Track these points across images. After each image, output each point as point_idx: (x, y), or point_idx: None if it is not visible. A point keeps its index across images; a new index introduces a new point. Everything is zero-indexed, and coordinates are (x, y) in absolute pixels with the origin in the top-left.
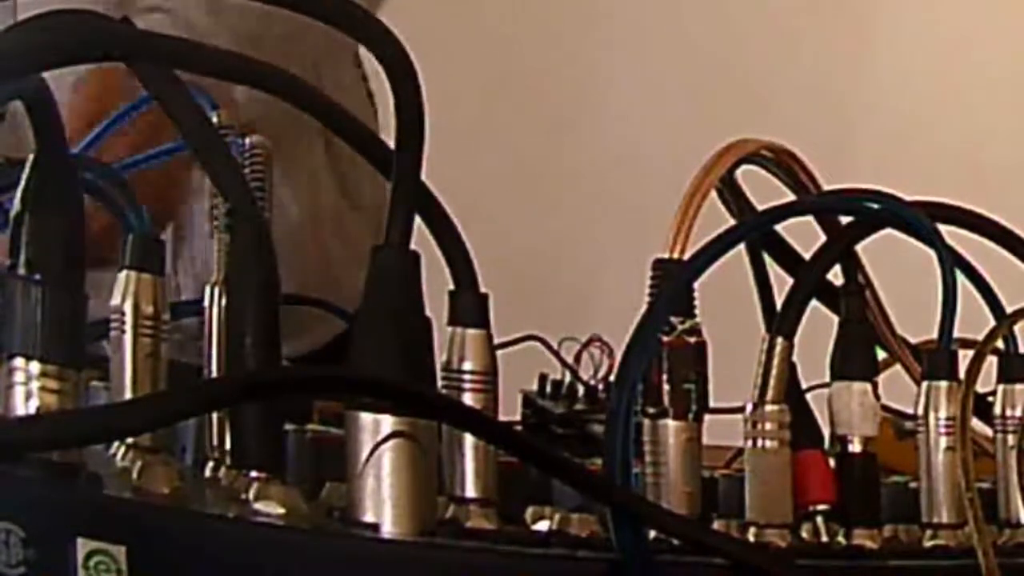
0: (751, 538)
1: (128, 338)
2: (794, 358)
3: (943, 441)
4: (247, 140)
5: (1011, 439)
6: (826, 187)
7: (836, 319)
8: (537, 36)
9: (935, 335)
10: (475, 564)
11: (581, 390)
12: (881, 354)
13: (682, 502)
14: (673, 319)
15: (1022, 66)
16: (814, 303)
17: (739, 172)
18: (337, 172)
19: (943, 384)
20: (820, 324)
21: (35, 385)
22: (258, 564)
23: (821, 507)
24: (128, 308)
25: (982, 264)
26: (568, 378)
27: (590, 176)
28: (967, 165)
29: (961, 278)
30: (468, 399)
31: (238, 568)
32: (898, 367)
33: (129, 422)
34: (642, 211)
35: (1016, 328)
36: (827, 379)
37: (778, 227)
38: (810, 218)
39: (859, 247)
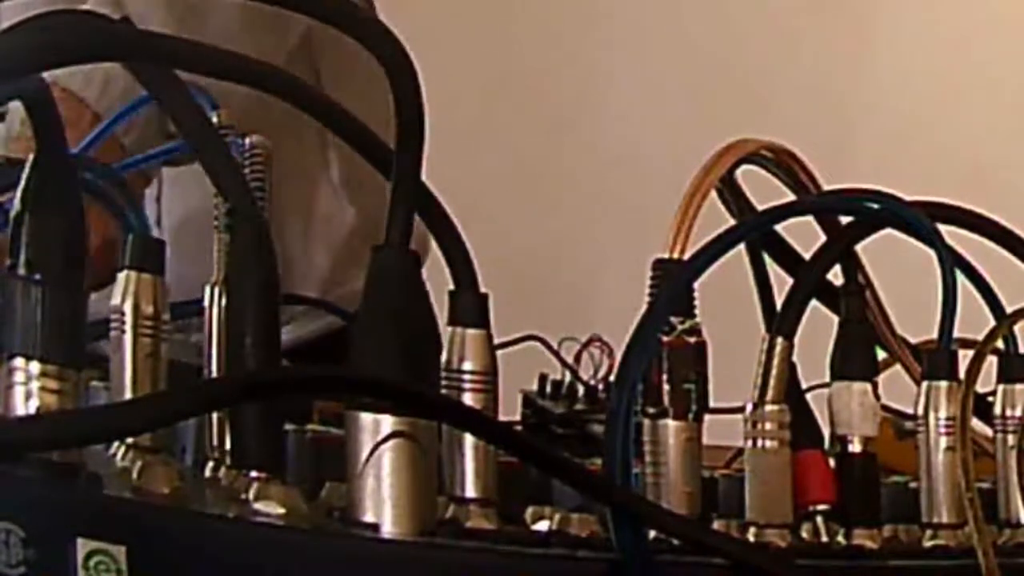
0: (751, 538)
1: (128, 338)
2: (794, 358)
3: (943, 441)
4: (247, 140)
5: (1011, 439)
6: (826, 187)
7: (836, 319)
8: (537, 36)
9: (935, 335)
10: (475, 564)
11: (581, 390)
12: (881, 354)
13: (682, 502)
14: (673, 319)
15: (1022, 66)
16: (814, 303)
17: (739, 172)
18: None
19: (943, 384)
20: (820, 324)
21: (35, 385)
22: (258, 564)
23: (821, 507)
24: (128, 308)
25: (982, 264)
26: (568, 378)
27: (590, 176)
28: (967, 165)
29: (961, 278)
30: (468, 399)
31: (238, 568)
32: (898, 367)
33: (129, 422)
34: (642, 211)
35: (1016, 328)
36: (827, 379)
37: (778, 227)
38: (810, 218)
39: (859, 247)
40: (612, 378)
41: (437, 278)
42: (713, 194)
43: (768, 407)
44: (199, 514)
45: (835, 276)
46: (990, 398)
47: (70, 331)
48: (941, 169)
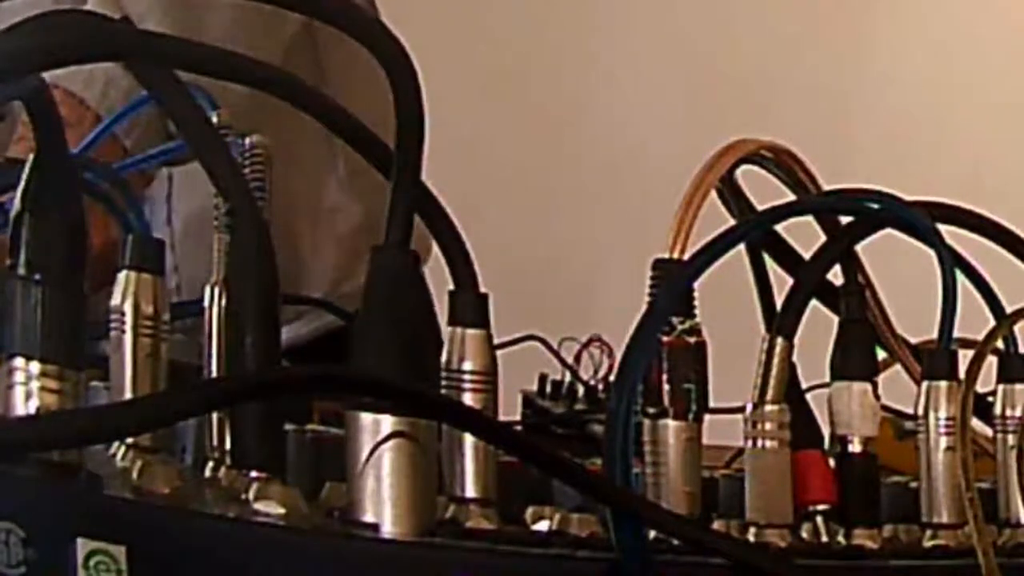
0: (751, 538)
1: (128, 338)
2: (794, 358)
3: (943, 441)
4: (247, 140)
5: (1011, 439)
6: (826, 187)
7: (836, 319)
8: (537, 36)
9: (935, 335)
10: (475, 564)
11: (581, 390)
12: (881, 354)
13: (682, 502)
14: (673, 319)
15: (1022, 66)
16: (814, 303)
17: (739, 172)
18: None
19: (943, 384)
20: (820, 324)
21: (35, 385)
22: (258, 564)
23: (821, 507)
24: (128, 308)
25: (982, 264)
26: (568, 378)
27: (590, 176)
28: (967, 165)
29: (961, 278)
30: (468, 399)
31: (238, 568)
32: (898, 367)
33: (129, 422)
34: (642, 211)
35: (1016, 328)
36: (827, 379)
37: (778, 227)
38: (810, 218)
39: (859, 247)
40: (612, 378)
41: (437, 278)
42: (713, 194)
43: (768, 407)
44: (199, 514)
45: (835, 276)
46: (990, 398)
47: (70, 331)
48: (941, 169)
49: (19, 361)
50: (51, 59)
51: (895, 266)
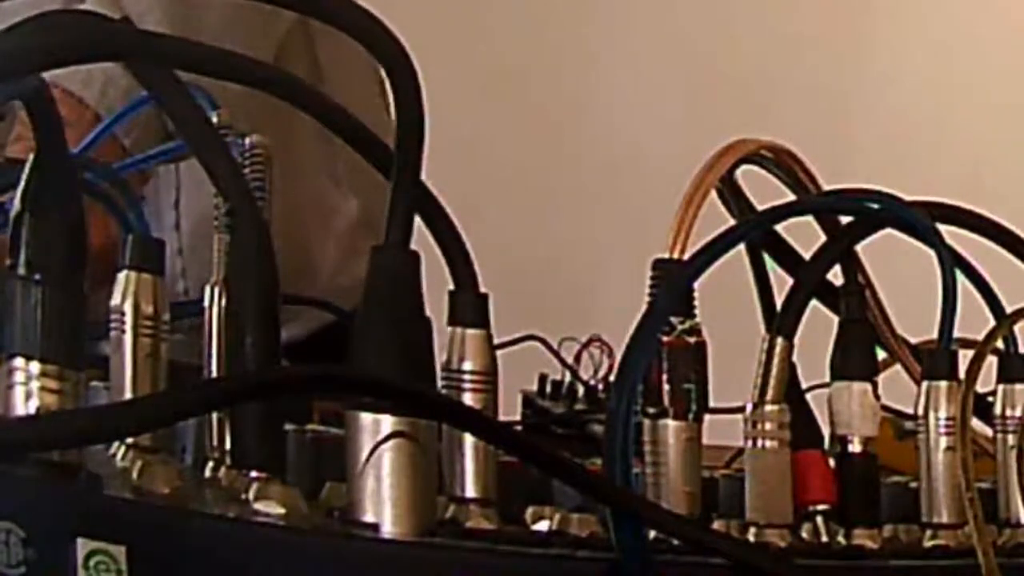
0: (751, 538)
1: (128, 338)
2: (794, 358)
3: (943, 441)
4: (247, 140)
5: (1011, 439)
6: (826, 187)
7: (836, 319)
8: (537, 36)
9: (935, 335)
10: (475, 564)
11: (581, 390)
12: (881, 354)
13: (682, 502)
14: (673, 319)
15: (1022, 66)
16: (814, 303)
17: (739, 172)
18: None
19: (943, 384)
20: (820, 324)
21: (35, 385)
22: (258, 564)
23: (821, 507)
24: (128, 308)
25: (982, 264)
26: (568, 378)
27: (590, 176)
28: (967, 165)
29: (961, 278)
30: (468, 399)
31: (238, 568)
32: (898, 367)
33: (129, 422)
34: (642, 211)
35: (1016, 328)
36: (827, 379)
37: (778, 227)
38: (810, 218)
39: (859, 247)
40: (612, 378)
41: (437, 278)
42: (713, 194)
43: (768, 407)
44: (199, 514)
45: (835, 276)
46: (990, 398)
47: (70, 331)
48: (941, 169)
49: (19, 361)
50: (51, 59)
51: (895, 266)
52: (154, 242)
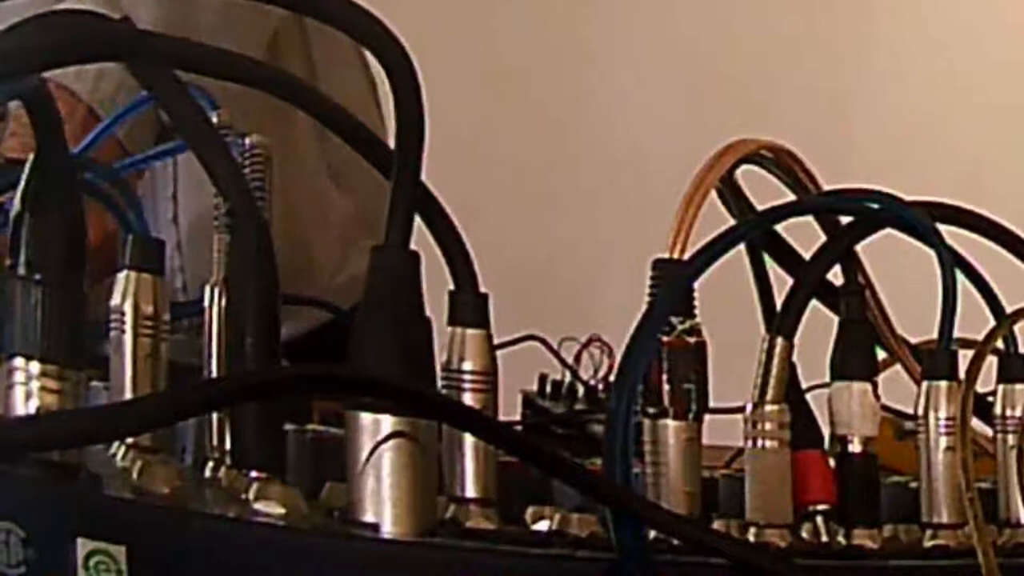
0: (751, 538)
1: (128, 338)
2: (794, 358)
3: (943, 441)
4: (247, 140)
5: (1011, 439)
6: (826, 187)
7: (836, 319)
8: (537, 36)
9: (935, 335)
10: (475, 564)
11: (581, 390)
12: (881, 354)
13: (682, 502)
14: (673, 319)
15: (1022, 66)
16: (814, 303)
17: (739, 172)
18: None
19: (943, 384)
20: (820, 324)
21: (35, 385)
22: (258, 564)
23: (821, 507)
24: (128, 308)
25: (982, 264)
26: (568, 378)
27: (590, 176)
28: (967, 165)
29: (961, 278)
30: (468, 399)
31: (238, 568)
32: (898, 367)
33: (129, 422)
34: (642, 211)
35: (1016, 328)
36: (827, 379)
37: (778, 227)
38: (810, 218)
39: (859, 247)
40: (612, 378)
41: (437, 278)
42: (713, 194)
43: (768, 407)
44: (199, 514)
45: (835, 276)
46: (990, 398)
47: (70, 331)
48: (941, 169)
49: (19, 361)
50: (51, 59)
51: (895, 266)
52: (154, 242)
